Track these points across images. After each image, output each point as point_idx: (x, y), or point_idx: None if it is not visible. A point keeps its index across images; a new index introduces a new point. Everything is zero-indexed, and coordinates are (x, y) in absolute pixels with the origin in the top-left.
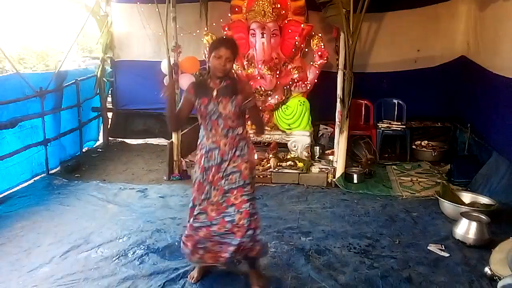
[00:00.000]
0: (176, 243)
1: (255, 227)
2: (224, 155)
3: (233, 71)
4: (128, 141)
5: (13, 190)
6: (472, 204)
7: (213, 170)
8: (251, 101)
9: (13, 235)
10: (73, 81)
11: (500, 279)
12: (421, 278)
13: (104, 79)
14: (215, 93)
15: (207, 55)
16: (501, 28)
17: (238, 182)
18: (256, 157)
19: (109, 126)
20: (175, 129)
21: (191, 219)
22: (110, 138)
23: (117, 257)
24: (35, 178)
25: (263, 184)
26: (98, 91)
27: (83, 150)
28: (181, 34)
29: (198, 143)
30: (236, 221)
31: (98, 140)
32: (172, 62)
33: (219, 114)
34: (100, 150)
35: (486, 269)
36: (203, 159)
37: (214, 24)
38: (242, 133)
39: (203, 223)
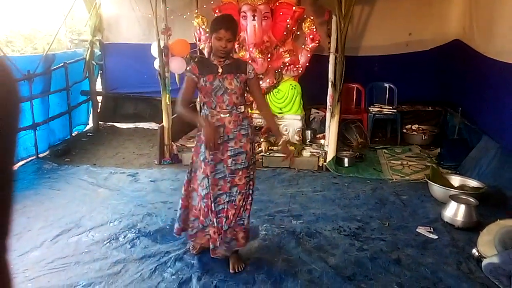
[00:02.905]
0: (168, 227)
1: (249, 209)
2: (229, 133)
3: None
4: (118, 125)
5: None
6: (461, 187)
7: (221, 148)
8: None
9: None
10: (61, 64)
11: None
12: (410, 260)
13: (93, 62)
14: (220, 69)
15: (208, 36)
16: (497, 12)
17: (243, 163)
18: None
19: (99, 110)
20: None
21: (208, 208)
22: (100, 122)
23: (108, 240)
24: (24, 162)
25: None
26: (87, 75)
27: (73, 134)
28: (171, 17)
29: None
30: (236, 202)
31: (88, 124)
32: (162, 45)
33: (225, 90)
34: (90, 134)
35: (474, 251)
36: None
37: (204, 6)
38: (244, 111)
39: (224, 204)
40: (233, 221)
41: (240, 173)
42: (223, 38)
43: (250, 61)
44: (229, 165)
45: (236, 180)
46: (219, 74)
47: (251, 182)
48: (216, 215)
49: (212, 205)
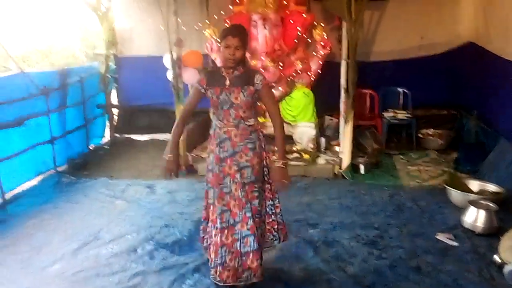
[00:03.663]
0: (185, 238)
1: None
2: (235, 147)
3: (247, 60)
4: (134, 137)
5: (22, 189)
6: (480, 192)
7: (228, 161)
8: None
9: (23, 233)
10: (77, 79)
11: None
12: (430, 267)
13: (108, 75)
14: (227, 82)
15: (219, 46)
16: None
17: (250, 177)
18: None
19: (114, 123)
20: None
21: (216, 222)
22: (116, 134)
23: (127, 253)
24: (43, 177)
25: None
26: (102, 88)
27: (90, 147)
28: (183, 28)
29: (211, 132)
30: (256, 216)
31: (104, 137)
32: (174, 56)
33: (231, 104)
34: (107, 147)
35: (495, 257)
36: (217, 149)
37: (215, 16)
38: (253, 124)
39: (227, 222)
40: (262, 234)
41: (247, 187)
42: (231, 46)
43: (261, 70)
44: (237, 180)
45: (249, 195)
46: (226, 87)
47: (260, 199)
48: (219, 232)
49: (217, 219)
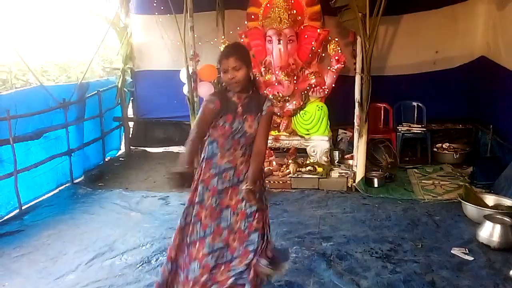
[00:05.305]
0: None
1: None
2: (240, 175)
3: (255, 80)
4: (149, 149)
5: (39, 199)
6: (495, 207)
7: (229, 192)
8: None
9: (40, 243)
10: (95, 92)
11: None
12: (445, 282)
13: (125, 89)
14: (240, 108)
15: None
16: None
17: (260, 203)
18: (274, 163)
19: (130, 135)
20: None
21: (205, 258)
22: (131, 147)
23: (141, 264)
24: (60, 188)
25: (283, 190)
26: (119, 101)
27: (106, 159)
28: (199, 43)
29: (203, 159)
30: (258, 248)
31: (120, 149)
32: (190, 70)
33: (244, 133)
34: (122, 159)
35: (511, 273)
36: (214, 180)
37: (231, 32)
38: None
39: (224, 258)
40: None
41: (256, 215)
42: (228, 68)
43: (277, 86)
44: (239, 211)
45: (254, 224)
46: (239, 114)
47: (264, 221)
48: (210, 271)
49: (209, 257)
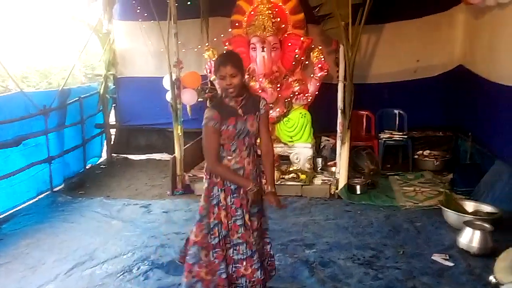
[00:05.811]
0: None
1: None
2: (249, 175)
3: (248, 85)
4: (131, 157)
5: (18, 208)
6: (475, 213)
7: (241, 192)
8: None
9: (18, 253)
10: (76, 99)
11: None
12: None
13: (107, 95)
14: (240, 111)
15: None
16: (497, 36)
17: (260, 203)
18: None
19: (112, 142)
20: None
21: (227, 251)
22: (113, 154)
23: (122, 273)
24: (40, 196)
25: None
26: (101, 108)
27: (87, 167)
28: (183, 50)
29: None
30: (265, 248)
31: (101, 157)
32: (174, 77)
33: (247, 132)
34: (104, 166)
35: (491, 278)
36: (227, 181)
37: (215, 39)
38: (257, 150)
39: (244, 254)
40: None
41: (259, 215)
42: (226, 75)
43: (261, 93)
44: (249, 209)
45: (255, 224)
46: (240, 116)
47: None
48: (233, 263)
49: (230, 251)
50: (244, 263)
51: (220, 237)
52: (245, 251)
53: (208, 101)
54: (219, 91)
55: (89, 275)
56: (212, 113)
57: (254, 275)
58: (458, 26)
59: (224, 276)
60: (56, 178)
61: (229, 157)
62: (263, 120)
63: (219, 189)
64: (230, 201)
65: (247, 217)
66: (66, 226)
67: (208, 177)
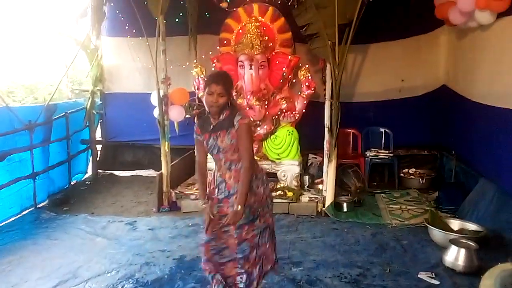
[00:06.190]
0: (166, 276)
1: (260, 260)
2: (230, 189)
3: (234, 105)
4: (117, 173)
5: (1, 224)
6: (460, 231)
7: (224, 202)
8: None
9: (0, 270)
10: (62, 114)
11: None
12: None
13: (93, 111)
14: (212, 127)
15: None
16: (478, 57)
17: (248, 217)
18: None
19: (98, 158)
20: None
21: (213, 257)
22: (99, 170)
23: None
24: (23, 212)
25: None
26: (87, 124)
27: (72, 183)
28: (171, 67)
29: (211, 175)
30: (248, 256)
31: (87, 173)
32: (161, 94)
33: (218, 148)
34: (89, 182)
35: None
36: (216, 190)
37: (203, 56)
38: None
39: (230, 256)
40: (253, 275)
41: (246, 227)
42: (214, 93)
43: (246, 109)
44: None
45: (243, 235)
46: (212, 132)
47: (262, 234)
48: (219, 266)
49: (217, 257)
50: (230, 264)
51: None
52: (228, 255)
53: (195, 118)
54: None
55: None
56: (195, 127)
57: (237, 278)
58: (442, 47)
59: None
60: (40, 194)
61: (215, 169)
62: (239, 135)
63: (210, 198)
64: (216, 209)
65: (230, 227)
66: (50, 243)
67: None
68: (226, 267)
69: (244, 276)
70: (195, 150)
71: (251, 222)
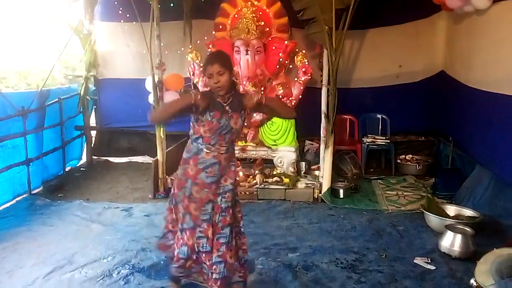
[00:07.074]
0: (162, 262)
1: (245, 247)
2: (223, 171)
3: (236, 83)
4: (112, 159)
5: None
6: (456, 217)
7: (212, 186)
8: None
9: None
10: (56, 100)
11: None
12: None
13: (87, 97)
14: (228, 108)
15: (201, 70)
16: (474, 42)
17: (234, 200)
18: (241, 174)
19: (92, 145)
20: (158, 121)
21: (194, 245)
22: (93, 156)
23: (102, 277)
24: (17, 199)
25: (250, 201)
26: (81, 110)
27: (66, 170)
28: (166, 52)
29: (190, 156)
30: (231, 242)
31: (82, 159)
32: (156, 79)
33: (230, 129)
34: (84, 169)
35: (472, 281)
36: (202, 174)
37: (198, 41)
38: (235, 148)
39: (204, 247)
40: (234, 263)
41: (231, 210)
42: (213, 73)
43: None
44: (219, 203)
45: (227, 219)
46: (226, 112)
47: (242, 219)
48: (197, 256)
49: (195, 245)
50: (204, 255)
51: (189, 226)
52: (205, 245)
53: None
54: (199, 83)
55: (68, 280)
56: (201, 96)
57: (212, 269)
58: (439, 33)
59: (181, 255)
60: (35, 181)
61: (207, 151)
62: (267, 100)
63: (193, 183)
64: (201, 195)
65: (212, 212)
66: (45, 230)
67: (183, 168)
68: (200, 256)
69: (222, 266)
70: (181, 104)
71: (237, 204)
